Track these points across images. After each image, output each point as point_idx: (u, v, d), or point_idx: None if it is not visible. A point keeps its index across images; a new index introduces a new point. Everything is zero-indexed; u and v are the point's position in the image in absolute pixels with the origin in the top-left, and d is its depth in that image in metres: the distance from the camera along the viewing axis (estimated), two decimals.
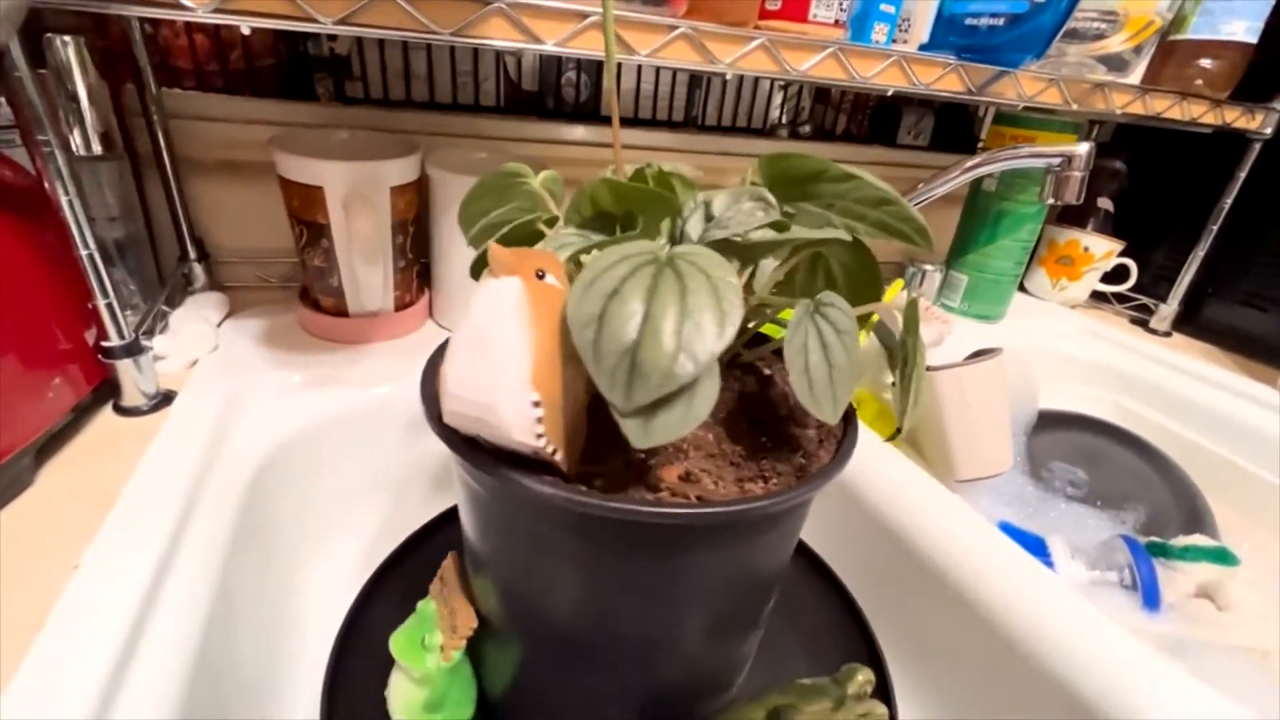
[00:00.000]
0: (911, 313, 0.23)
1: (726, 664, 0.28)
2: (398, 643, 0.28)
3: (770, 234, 0.21)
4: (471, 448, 0.20)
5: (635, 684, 0.25)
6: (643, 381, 0.16)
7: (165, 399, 0.39)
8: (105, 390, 0.38)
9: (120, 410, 0.38)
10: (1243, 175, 0.68)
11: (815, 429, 0.25)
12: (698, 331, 0.16)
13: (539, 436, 0.17)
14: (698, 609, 0.23)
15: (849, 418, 0.25)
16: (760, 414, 0.25)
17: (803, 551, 0.42)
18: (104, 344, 0.36)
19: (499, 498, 0.22)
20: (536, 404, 0.17)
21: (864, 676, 0.27)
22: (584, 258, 0.21)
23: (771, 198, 0.22)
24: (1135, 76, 0.58)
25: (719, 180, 0.65)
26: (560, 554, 0.22)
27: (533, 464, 0.19)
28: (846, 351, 0.20)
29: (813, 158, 0.23)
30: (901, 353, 0.23)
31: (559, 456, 0.18)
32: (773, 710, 0.26)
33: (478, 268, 0.25)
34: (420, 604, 0.29)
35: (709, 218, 0.22)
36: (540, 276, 0.18)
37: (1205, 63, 0.58)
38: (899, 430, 0.24)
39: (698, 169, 0.52)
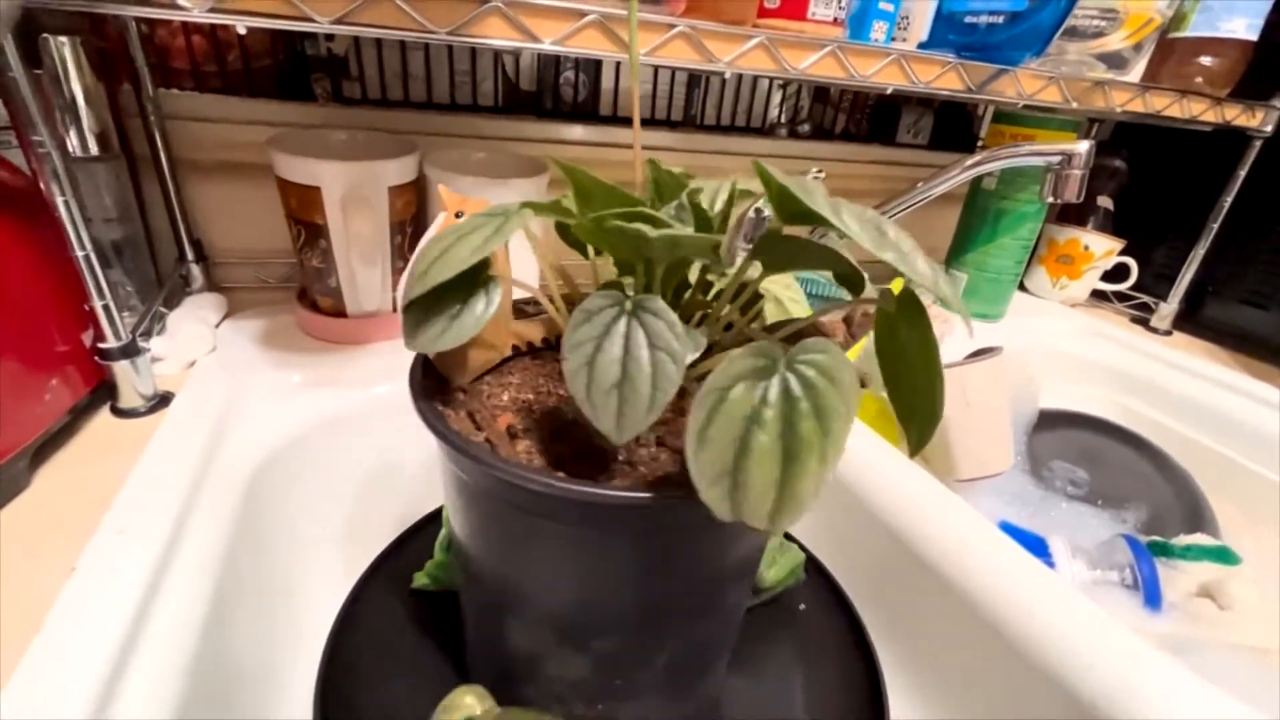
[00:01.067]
0: (908, 304, 0.20)
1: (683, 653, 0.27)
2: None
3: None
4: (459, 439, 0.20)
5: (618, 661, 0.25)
6: (402, 293, 0.20)
7: (163, 400, 0.39)
8: (103, 392, 0.38)
9: (118, 412, 0.37)
10: (1243, 173, 0.68)
11: None
12: (442, 266, 0.19)
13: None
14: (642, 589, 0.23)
15: None
16: None
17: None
18: (101, 345, 0.36)
19: (481, 484, 0.22)
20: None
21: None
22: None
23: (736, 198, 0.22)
24: (1135, 74, 0.57)
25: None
26: (537, 533, 0.22)
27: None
28: (653, 368, 0.17)
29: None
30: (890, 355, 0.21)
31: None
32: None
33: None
34: None
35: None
36: (458, 216, 0.22)
37: (1205, 60, 0.58)
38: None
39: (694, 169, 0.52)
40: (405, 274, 0.21)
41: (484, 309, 0.20)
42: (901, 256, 0.17)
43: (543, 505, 0.21)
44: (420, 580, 0.36)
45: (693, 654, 0.27)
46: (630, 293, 0.20)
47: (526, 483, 0.19)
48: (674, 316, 0.18)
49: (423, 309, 0.20)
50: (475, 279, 0.21)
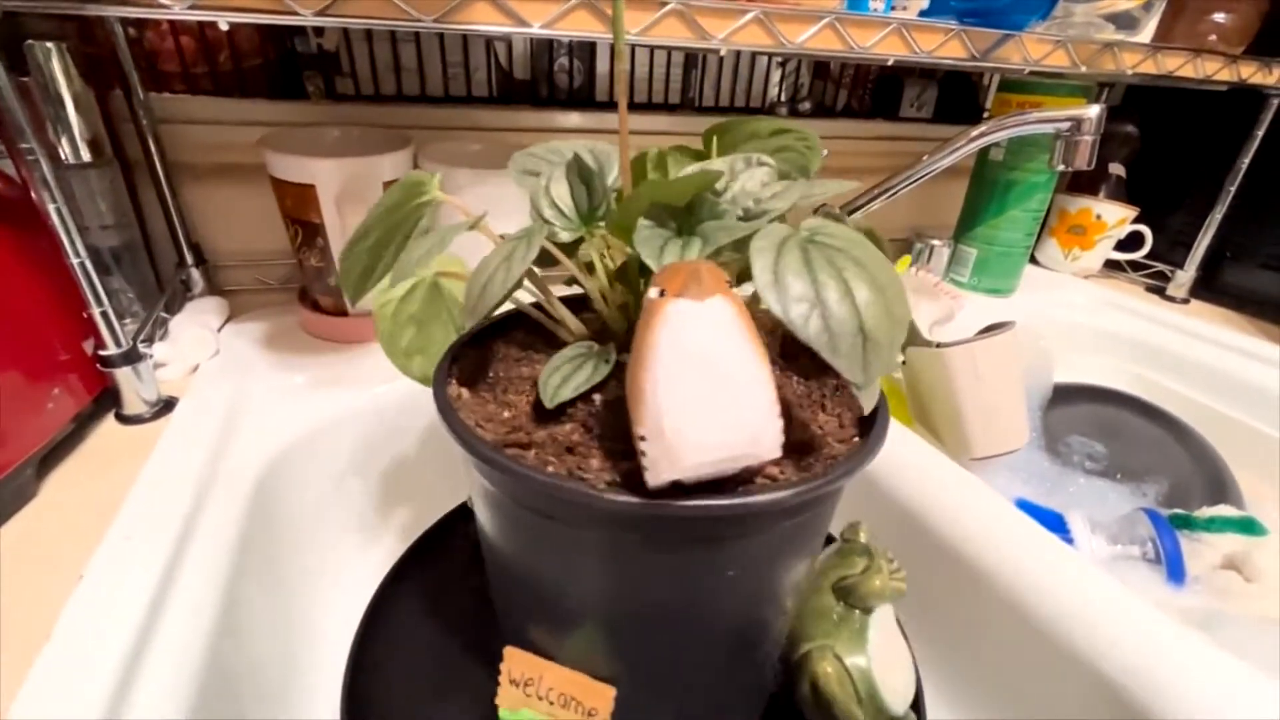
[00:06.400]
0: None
1: (766, 647, 0.27)
2: None
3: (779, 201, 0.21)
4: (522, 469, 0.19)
5: (678, 679, 0.25)
6: (877, 355, 0.17)
7: (167, 406, 0.39)
8: (107, 399, 0.38)
9: (122, 419, 0.37)
10: (1260, 133, 0.66)
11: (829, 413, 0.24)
12: (894, 300, 0.17)
13: (781, 446, 0.17)
14: (744, 593, 0.23)
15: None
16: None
17: None
18: (102, 353, 0.36)
19: (559, 517, 0.21)
20: (779, 415, 0.16)
21: (863, 526, 0.31)
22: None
23: (771, 161, 0.21)
24: (1146, 34, 0.56)
25: None
26: (611, 556, 0.21)
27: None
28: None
29: (753, 121, 0.26)
30: None
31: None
32: (838, 587, 0.29)
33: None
34: (503, 714, 0.25)
35: (714, 192, 0.21)
36: (734, 287, 0.17)
37: (1219, 17, 0.56)
38: None
39: None
40: (841, 357, 0.17)
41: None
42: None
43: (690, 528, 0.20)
44: None
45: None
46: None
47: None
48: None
49: None
50: None
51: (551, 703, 0.24)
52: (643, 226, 0.20)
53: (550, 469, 0.19)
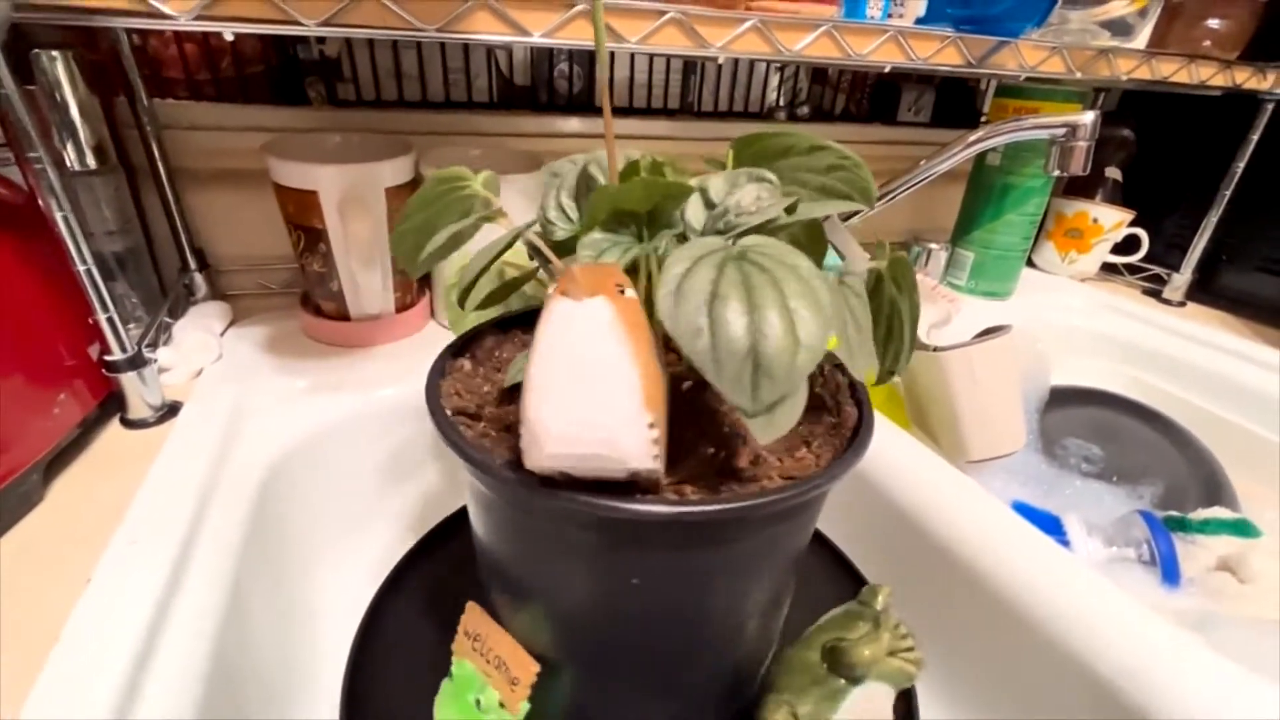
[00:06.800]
0: (899, 270, 0.23)
1: (759, 648, 0.28)
2: (445, 713, 0.27)
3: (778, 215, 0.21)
4: (508, 469, 0.19)
5: (673, 678, 0.25)
6: (770, 381, 0.16)
7: (171, 410, 0.39)
8: (112, 404, 0.38)
9: (127, 423, 0.38)
10: (1255, 138, 0.66)
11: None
12: (806, 324, 0.16)
13: (655, 458, 0.17)
14: (734, 594, 0.23)
15: (859, 398, 0.25)
16: None
17: (816, 537, 0.41)
18: (107, 358, 0.36)
19: (538, 518, 0.21)
20: (652, 425, 0.16)
21: (885, 590, 0.28)
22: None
23: (773, 177, 0.22)
24: (1141, 40, 0.56)
25: None
26: (603, 561, 0.21)
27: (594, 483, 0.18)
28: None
29: (787, 134, 0.23)
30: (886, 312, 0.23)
31: (661, 473, 0.18)
32: (828, 647, 0.27)
33: (465, 295, 0.25)
34: (453, 667, 0.27)
35: (709, 205, 0.22)
36: (621, 291, 0.17)
37: (1213, 23, 0.57)
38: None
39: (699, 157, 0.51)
40: (725, 381, 0.16)
41: None
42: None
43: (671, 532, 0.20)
44: None
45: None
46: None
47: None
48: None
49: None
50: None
51: (489, 662, 0.26)
52: (595, 231, 0.21)
53: (487, 442, 0.21)
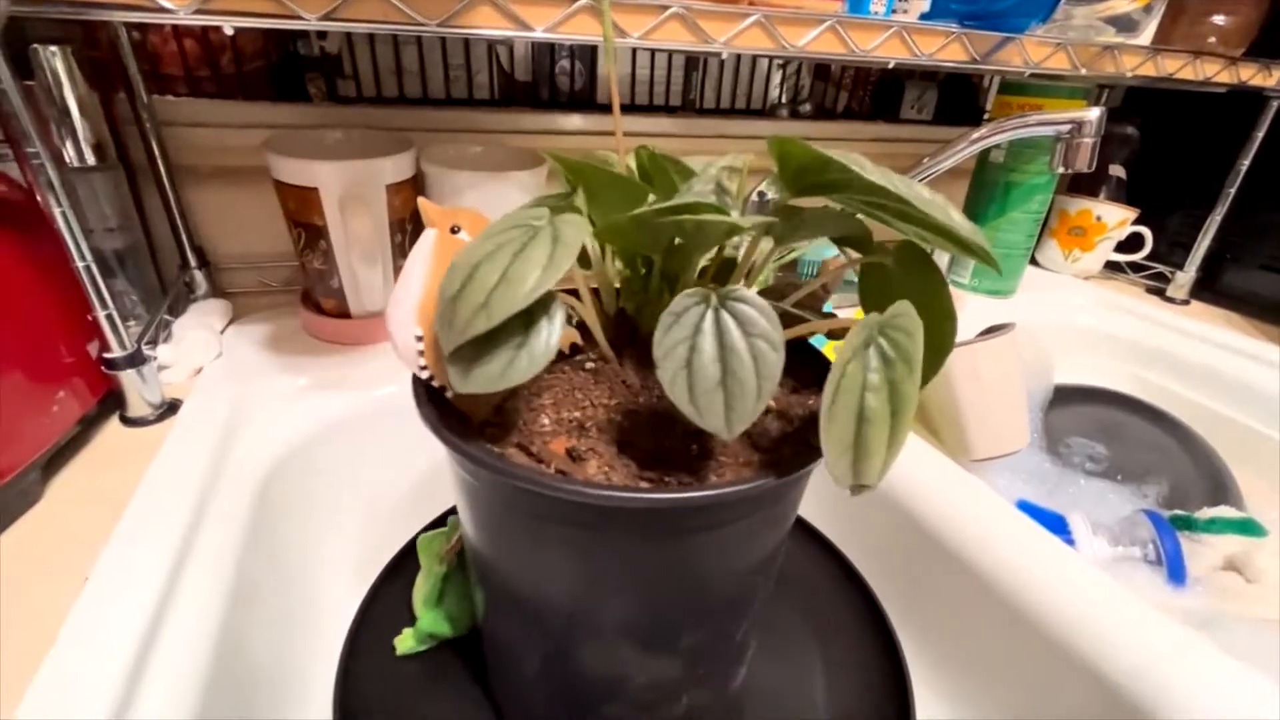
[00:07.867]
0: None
1: (717, 650, 0.27)
2: (422, 543, 0.36)
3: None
4: (458, 437, 0.20)
5: (626, 671, 0.25)
6: (447, 330, 0.17)
7: (171, 408, 0.39)
8: (111, 402, 0.38)
9: (126, 421, 0.38)
10: (1260, 135, 0.66)
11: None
12: (508, 290, 0.17)
13: (422, 368, 0.20)
14: (661, 595, 0.23)
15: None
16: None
17: (815, 537, 0.41)
18: (106, 355, 0.36)
19: (484, 482, 0.22)
20: (419, 337, 0.19)
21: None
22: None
23: (728, 177, 0.22)
24: (1145, 37, 0.56)
25: None
26: (545, 538, 0.22)
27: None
28: (753, 358, 0.17)
29: (847, 170, 0.20)
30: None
31: (438, 384, 0.20)
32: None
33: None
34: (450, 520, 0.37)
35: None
36: (454, 231, 0.20)
37: (1218, 19, 0.56)
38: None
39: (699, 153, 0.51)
40: (440, 311, 0.17)
41: (550, 333, 0.18)
42: (944, 211, 0.18)
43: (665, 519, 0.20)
44: (407, 644, 0.33)
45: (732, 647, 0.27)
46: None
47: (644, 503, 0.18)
48: (764, 302, 0.18)
49: (473, 343, 0.17)
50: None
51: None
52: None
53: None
